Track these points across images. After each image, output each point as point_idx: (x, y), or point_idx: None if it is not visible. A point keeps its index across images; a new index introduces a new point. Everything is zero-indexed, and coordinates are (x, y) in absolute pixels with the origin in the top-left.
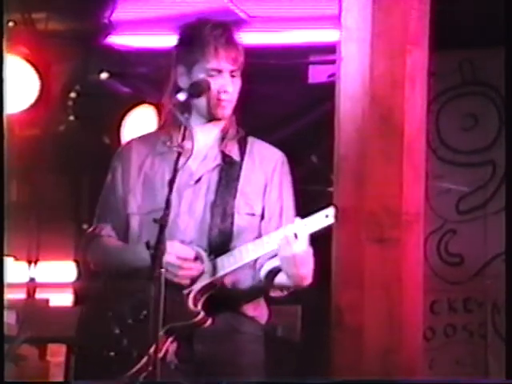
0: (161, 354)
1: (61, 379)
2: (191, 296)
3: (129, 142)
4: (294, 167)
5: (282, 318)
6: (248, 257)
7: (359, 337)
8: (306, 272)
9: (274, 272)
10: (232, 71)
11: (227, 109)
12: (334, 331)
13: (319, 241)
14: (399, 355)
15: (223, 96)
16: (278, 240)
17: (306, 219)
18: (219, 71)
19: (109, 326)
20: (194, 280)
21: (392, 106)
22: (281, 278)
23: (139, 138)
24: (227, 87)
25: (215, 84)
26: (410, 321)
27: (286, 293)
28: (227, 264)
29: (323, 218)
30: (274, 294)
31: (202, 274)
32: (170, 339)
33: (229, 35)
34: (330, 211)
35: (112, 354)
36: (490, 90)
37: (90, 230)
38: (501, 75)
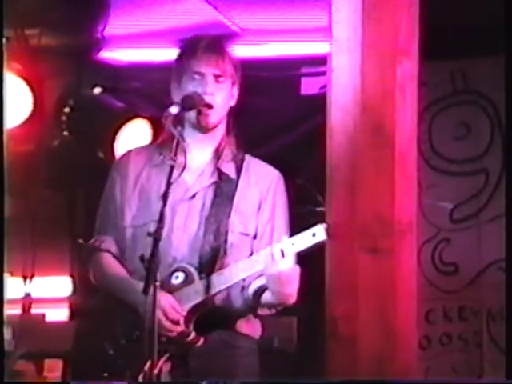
0: (155, 374)
1: None
2: (182, 319)
3: (127, 153)
4: (289, 186)
5: (278, 330)
6: (238, 276)
7: (354, 347)
8: (291, 290)
9: (261, 290)
10: (216, 76)
11: (212, 116)
12: (328, 341)
13: (313, 251)
14: (394, 364)
15: (207, 99)
16: (269, 258)
17: (294, 238)
18: (201, 74)
19: (103, 345)
20: (170, 335)
21: (383, 117)
22: (267, 296)
23: (137, 149)
24: (208, 89)
25: (199, 88)
26: (405, 330)
27: (273, 311)
28: (217, 283)
29: (310, 237)
30: (261, 312)
31: (181, 333)
32: (164, 359)
33: (210, 41)
34: (318, 229)
35: (106, 374)
36: (481, 99)
37: (91, 242)
38: (492, 84)
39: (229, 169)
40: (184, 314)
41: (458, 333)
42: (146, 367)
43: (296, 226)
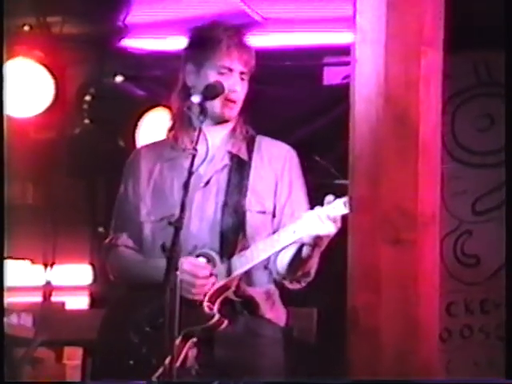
0: (180, 360)
1: (77, 382)
2: (206, 299)
3: (137, 151)
4: (304, 163)
5: (298, 320)
6: (259, 256)
7: (375, 338)
8: (314, 265)
9: (291, 258)
10: (242, 73)
11: (234, 110)
12: (349, 333)
13: (335, 242)
14: (415, 357)
15: (232, 95)
16: (292, 234)
17: (313, 211)
18: (230, 70)
19: (127, 334)
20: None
21: (407, 108)
22: (298, 261)
23: (147, 145)
24: (236, 86)
25: (225, 83)
26: (426, 322)
27: (303, 284)
28: (239, 265)
29: (331, 209)
30: (292, 286)
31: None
32: (189, 344)
33: (241, 37)
34: (338, 203)
35: (131, 362)
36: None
37: (107, 240)
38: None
39: (240, 150)
40: (210, 270)
41: (480, 325)
42: (172, 353)
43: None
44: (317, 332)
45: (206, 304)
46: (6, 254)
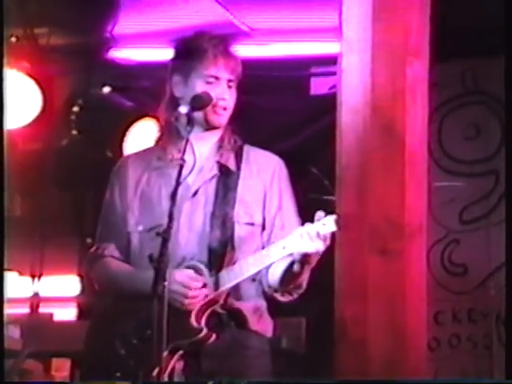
0: (167, 373)
1: None
2: (193, 313)
3: (124, 159)
4: (292, 173)
5: (287, 330)
6: (248, 271)
7: (363, 348)
8: (305, 278)
9: (283, 271)
10: (229, 81)
11: (223, 117)
12: (338, 343)
13: (323, 252)
14: (404, 366)
15: (220, 103)
16: (282, 249)
17: (302, 228)
18: (217, 78)
19: (114, 346)
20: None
21: (393, 117)
22: (290, 275)
23: (135, 154)
24: (224, 95)
25: (212, 91)
26: (414, 331)
27: (295, 296)
28: (227, 279)
29: (321, 226)
30: (283, 298)
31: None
32: (176, 357)
33: (226, 46)
34: (328, 220)
35: (118, 374)
36: (491, 100)
37: (93, 250)
38: (503, 84)
39: (228, 160)
40: (203, 282)
41: (467, 334)
42: (159, 366)
43: (308, 217)
44: (306, 342)
45: (193, 317)
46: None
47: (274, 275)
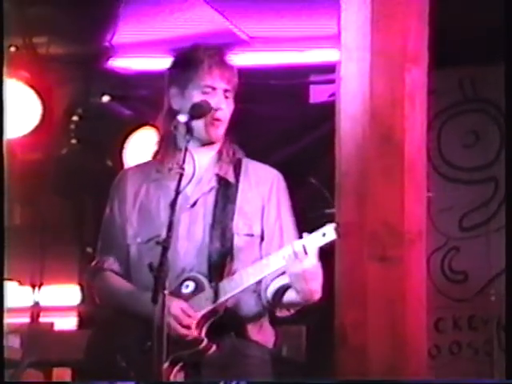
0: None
1: None
2: (194, 323)
3: (123, 173)
4: (291, 185)
5: (287, 339)
6: (248, 281)
7: (363, 355)
8: (316, 286)
9: (283, 290)
10: (225, 91)
11: (220, 129)
12: (338, 350)
13: (322, 259)
14: (404, 373)
15: (218, 114)
16: (282, 259)
17: (304, 239)
18: (213, 88)
19: (115, 357)
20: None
21: (392, 125)
22: (290, 296)
23: (134, 167)
24: (221, 104)
25: (209, 102)
26: (414, 339)
27: (292, 311)
28: (228, 289)
29: (320, 237)
30: (280, 313)
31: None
32: (177, 368)
33: (222, 56)
34: (328, 229)
35: None
36: (490, 107)
37: (93, 263)
38: (501, 92)
39: (227, 172)
40: (197, 318)
41: (468, 341)
42: (159, 377)
43: (310, 227)
44: (306, 350)
45: (194, 329)
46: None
47: (273, 292)
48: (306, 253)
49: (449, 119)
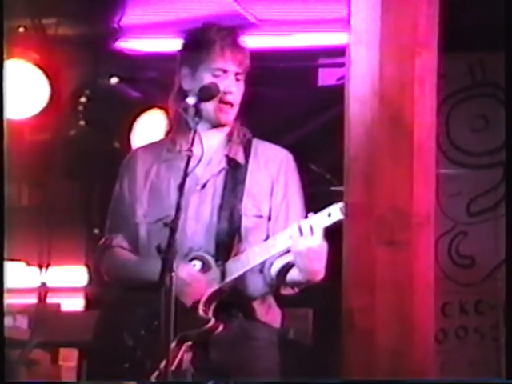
0: (175, 364)
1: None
2: (201, 303)
3: (134, 152)
4: (300, 165)
5: (294, 322)
6: (255, 260)
7: (370, 339)
8: (320, 266)
9: (286, 268)
10: (237, 74)
11: (230, 113)
12: (345, 334)
13: (329, 242)
14: (411, 357)
15: (228, 97)
16: (288, 239)
17: (310, 218)
18: (224, 71)
19: (122, 337)
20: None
21: (401, 109)
22: (293, 274)
23: (144, 146)
24: (231, 88)
25: (220, 84)
26: (422, 323)
27: (297, 290)
28: (235, 269)
29: (326, 217)
30: (285, 291)
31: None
32: (184, 348)
33: (235, 38)
34: (334, 209)
35: (126, 365)
36: (500, 92)
37: (102, 241)
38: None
39: (237, 154)
40: (204, 281)
41: (475, 326)
42: (166, 357)
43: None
44: (312, 333)
45: (201, 308)
46: (6, 256)
47: (277, 270)
48: (311, 232)
49: (458, 104)
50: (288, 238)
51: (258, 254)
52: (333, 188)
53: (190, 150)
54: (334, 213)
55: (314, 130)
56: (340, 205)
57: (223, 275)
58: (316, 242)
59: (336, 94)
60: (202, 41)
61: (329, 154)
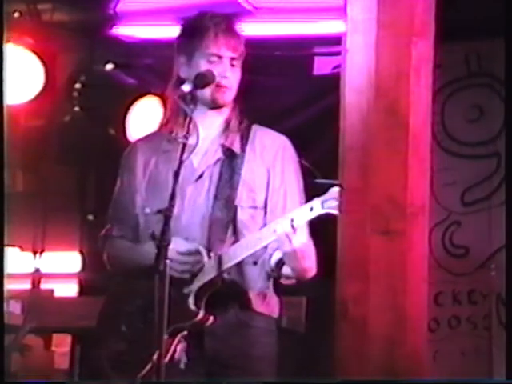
0: (169, 355)
1: (66, 369)
2: (192, 295)
3: (134, 144)
4: (298, 150)
5: (287, 310)
6: (241, 254)
7: (364, 328)
8: (309, 264)
9: (282, 263)
10: (232, 59)
11: (227, 95)
12: (338, 323)
13: (324, 231)
14: (404, 346)
15: (223, 82)
16: (272, 233)
17: (292, 213)
18: (219, 57)
19: (118, 324)
20: (195, 275)
21: (397, 98)
22: (286, 270)
23: (144, 137)
24: (226, 73)
25: (215, 70)
26: (415, 312)
27: (294, 281)
28: (223, 262)
29: (308, 212)
30: (284, 281)
31: (202, 268)
32: (178, 338)
33: (228, 23)
34: (315, 204)
35: (123, 357)
36: (495, 82)
37: (104, 231)
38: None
39: (233, 143)
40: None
41: (467, 316)
42: (159, 349)
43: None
44: (306, 321)
45: (192, 300)
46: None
47: (274, 261)
48: (293, 229)
49: (453, 93)
50: (273, 231)
51: (244, 248)
52: (316, 180)
53: (185, 136)
54: (316, 207)
55: (309, 119)
56: (322, 198)
57: (214, 267)
58: (300, 241)
59: (332, 83)
60: (196, 28)
61: (323, 143)
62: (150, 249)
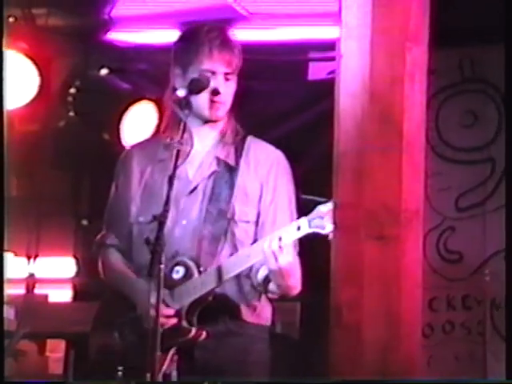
0: (162, 370)
1: (60, 374)
2: (183, 312)
3: (130, 150)
4: (293, 165)
5: (281, 315)
6: (233, 270)
7: (358, 334)
8: (294, 282)
9: (268, 279)
10: (226, 74)
11: (221, 110)
12: (332, 328)
13: (320, 237)
14: (398, 352)
15: (216, 98)
16: (260, 252)
17: (280, 231)
18: (213, 73)
19: (111, 333)
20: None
21: (391, 104)
22: (272, 287)
23: (139, 144)
24: (220, 88)
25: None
26: (409, 318)
27: (277, 296)
28: (214, 278)
29: (295, 231)
30: (270, 296)
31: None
32: (170, 353)
33: (224, 38)
34: (302, 222)
35: (119, 370)
36: (489, 88)
37: (99, 236)
38: (500, 73)
39: (228, 155)
40: (175, 307)
41: (462, 321)
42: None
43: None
44: (300, 326)
45: (184, 317)
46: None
47: (261, 277)
48: (280, 248)
49: (447, 99)
50: (260, 250)
51: (233, 265)
52: (303, 197)
53: (179, 142)
54: (303, 226)
55: (303, 125)
56: (308, 217)
57: (204, 284)
58: (286, 260)
59: (326, 88)
60: (191, 42)
61: (318, 148)
62: (142, 286)
